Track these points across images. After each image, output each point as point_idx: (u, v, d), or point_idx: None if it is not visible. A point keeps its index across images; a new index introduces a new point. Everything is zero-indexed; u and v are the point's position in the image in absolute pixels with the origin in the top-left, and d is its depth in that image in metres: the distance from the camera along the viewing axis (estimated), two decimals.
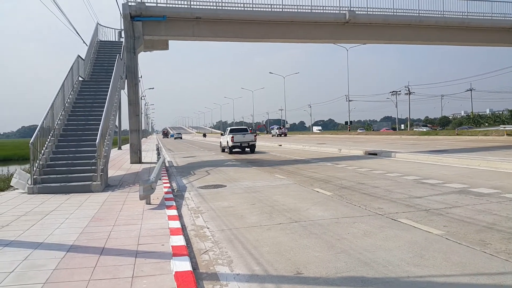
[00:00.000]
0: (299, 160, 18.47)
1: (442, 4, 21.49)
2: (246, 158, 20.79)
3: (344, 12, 19.96)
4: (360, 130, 76.70)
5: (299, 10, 19.77)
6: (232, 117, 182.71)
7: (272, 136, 68.90)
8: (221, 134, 29.23)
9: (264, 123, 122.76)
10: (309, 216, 6.73)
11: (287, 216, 6.80)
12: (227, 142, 24.59)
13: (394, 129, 73.79)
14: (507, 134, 30.08)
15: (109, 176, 12.06)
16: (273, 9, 19.44)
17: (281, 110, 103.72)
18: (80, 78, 15.34)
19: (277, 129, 73.07)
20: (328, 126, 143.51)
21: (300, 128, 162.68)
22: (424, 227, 5.73)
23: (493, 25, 22.18)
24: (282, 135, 66.12)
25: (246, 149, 25.31)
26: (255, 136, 25.72)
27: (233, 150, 24.53)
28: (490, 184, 9.17)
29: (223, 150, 27.16)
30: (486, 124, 69.26)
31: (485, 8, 22.16)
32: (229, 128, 26.50)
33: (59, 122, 12.29)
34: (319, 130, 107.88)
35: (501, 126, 37.20)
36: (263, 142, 40.84)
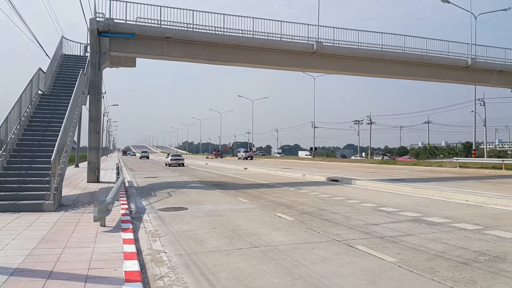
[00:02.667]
0: (263, 184, 18.51)
1: (404, 41, 22.83)
2: (210, 181, 20.58)
3: (312, 42, 20.68)
4: (359, 157, 69.75)
5: (269, 38, 20.22)
6: (198, 138, 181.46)
7: (239, 159, 68.77)
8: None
9: (231, 145, 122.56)
10: (269, 242, 6.72)
11: (247, 241, 6.75)
12: (141, 154, 76.53)
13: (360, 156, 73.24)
14: (460, 166, 31.77)
15: (63, 195, 11.49)
16: (244, 35, 19.75)
17: (249, 133, 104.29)
18: (40, 92, 14.76)
19: (243, 152, 72.79)
20: (294, 151, 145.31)
21: (267, 152, 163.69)
22: (379, 254, 5.88)
23: (449, 63, 23.73)
24: (249, 158, 65.96)
25: (147, 158, 69.31)
26: (148, 153, 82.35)
27: (141, 158, 72.60)
28: (442, 214, 9.59)
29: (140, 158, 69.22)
30: (441, 155, 72.87)
31: (442, 47, 23.72)
32: (141, 151, 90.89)
33: (13, 136, 11.68)
34: (307, 155, 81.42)
35: (454, 158, 39.33)
36: (228, 165, 40.66)
